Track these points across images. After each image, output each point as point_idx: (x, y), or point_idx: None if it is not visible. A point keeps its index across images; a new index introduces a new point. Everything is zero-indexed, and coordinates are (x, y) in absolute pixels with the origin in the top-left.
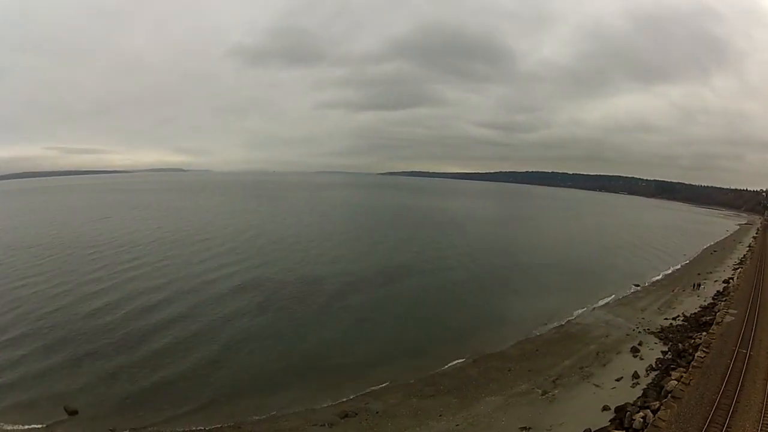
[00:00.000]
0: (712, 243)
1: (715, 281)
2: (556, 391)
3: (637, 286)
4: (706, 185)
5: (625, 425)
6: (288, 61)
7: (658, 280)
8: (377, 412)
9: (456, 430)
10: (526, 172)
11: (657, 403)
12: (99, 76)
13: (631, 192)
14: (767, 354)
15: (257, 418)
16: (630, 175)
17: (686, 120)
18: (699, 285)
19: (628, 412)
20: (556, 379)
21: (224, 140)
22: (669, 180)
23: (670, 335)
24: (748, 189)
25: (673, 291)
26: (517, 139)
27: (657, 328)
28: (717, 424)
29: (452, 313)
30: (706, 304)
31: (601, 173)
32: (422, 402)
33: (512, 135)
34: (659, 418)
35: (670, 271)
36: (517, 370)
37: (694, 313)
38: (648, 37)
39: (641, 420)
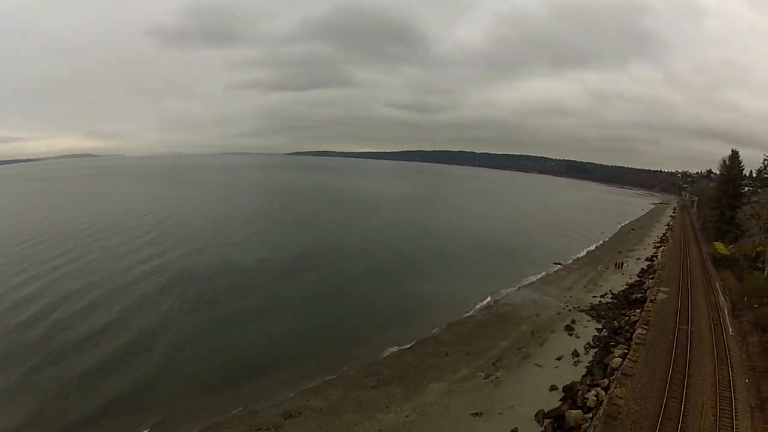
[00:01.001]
0: (629, 222)
1: (638, 259)
2: (499, 374)
3: (559, 264)
4: (616, 166)
5: (578, 404)
6: (204, 41)
7: (579, 258)
8: (321, 410)
9: (407, 422)
10: (436, 151)
11: (606, 381)
12: (14, 60)
13: (542, 171)
14: (708, 330)
15: (199, 426)
16: (540, 155)
17: (601, 104)
18: (622, 264)
19: (579, 391)
20: (496, 361)
21: (139, 123)
22: (579, 160)
23: (602, 313)
24: (663, 170)
25: (596, 269)
26: (429, 119)
27: (587, 306)
28: (674, 398)
29: (381, 298)
30: (632, 281)
31: (510, 153)
32: (365, 394)
33: (424, 115)
34: (617, 395)
35: (591, 249)
36: (455, 355)
37: (622, 291)
38: (567, 24)
39: (594, 398)
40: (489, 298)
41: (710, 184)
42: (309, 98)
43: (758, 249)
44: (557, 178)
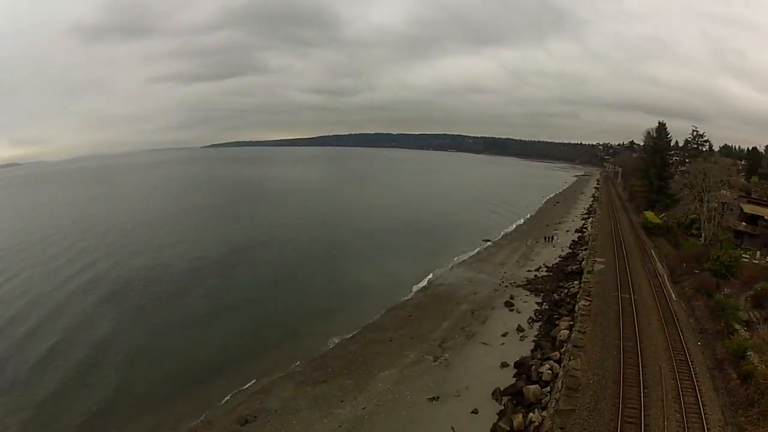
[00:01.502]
0: (554, 195)
1: (567, 231)
2: (447, 356)
3: (489, 241)
4: (536, 140)
5: (534, 379)
6: (123, 35)
7: (508, 234)
8: (276, 411)
9: (365, 414)
10: (352, 134)
11: (557, 354)
12: None
13: (459, 149)
14: (651, 297)
15: None
16: (457, 133)
17: (519, 81)
18: (552, 237)
19: (531, 366)
20: (442, 342)
21: (63, 126)
22: (497, 137)
23: (539, 287)
24: (583, 143)
25: (527, 244)
26: (343, 103)
27: (522, 281)
28: (631, 365)
29: (317, 288)
30: (564, 254)
31: (427, 132)
32: (317, 389)
33: (338, 99)
34: (572, 367)
35: (519, 224)
36: (399, 340)
37: (556, 264)
38: (483, 2)
39: (549, 372)
40: (424, 280)
41: (633, 155)
42: (226, 88)
43: (692, 216)
44: (475, 155)
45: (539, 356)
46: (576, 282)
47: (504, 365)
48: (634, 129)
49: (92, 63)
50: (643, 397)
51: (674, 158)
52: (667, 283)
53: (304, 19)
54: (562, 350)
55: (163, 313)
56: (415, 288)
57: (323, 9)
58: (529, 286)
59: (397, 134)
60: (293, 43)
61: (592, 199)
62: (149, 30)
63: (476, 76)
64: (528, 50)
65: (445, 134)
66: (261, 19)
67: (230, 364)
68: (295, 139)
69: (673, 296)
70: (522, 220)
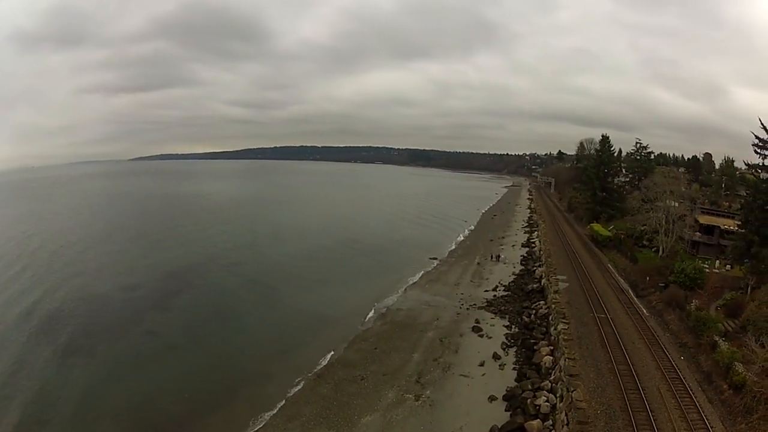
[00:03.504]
0: (488, 207)
1: (513, 246)
2: (429, 393)
3: (436, 259)
4: (461, 152)
5: (531, 412)
6: (58, 44)
7: (454, 251)
8: None
9: None
10: (277, 147)
11: (547, 383)
12: None
13: (385, 161)
14: (625, 315)
15: None
16: (382, 146)
17: (445, 94)
18: (498, 256)
19: (525, 398)
20: (419, 378)
21: None
22: (422, 148)
23: (502, 308)
24: (510, 154)
25: (475, 261)
26: (270, 116)
27: (483, 302)
28: (632, 390)
29: (263, 320)
30: (518, 271)
31: (352, 145)
32: None
33: (265, 112)
34: (576, 398)
35: (461, 240)
36: (372, 377)
37: (513, 282)
38: (412, 17)
39: (547, 404)
40: (379, 306)
41: (566, 165)
42: (154, 100)
43: (642, 228)
44: (400, 167)
45: (530, 387)
46: (542, 302)
47: (492, 399)
48: (562, 139)
49: (30, 73)
50: (654, 420)
51: (621, 170)
52: (635, 298)
53: (234, 32)
54: (552, 378)
55: (101, 357)
56: (371, 315)
57: (253, 21)
58: (491, 308)
59: (322, 147)
60: (222, 55)
61: (529, 210)
62: (81, 39)
63: (402, 89)
64: (455, 64)
65: (369, 146)
66: (191, 31)
67: (186, 421)
68: (220, 153)
69: (645, 312)
70: (462, 236)
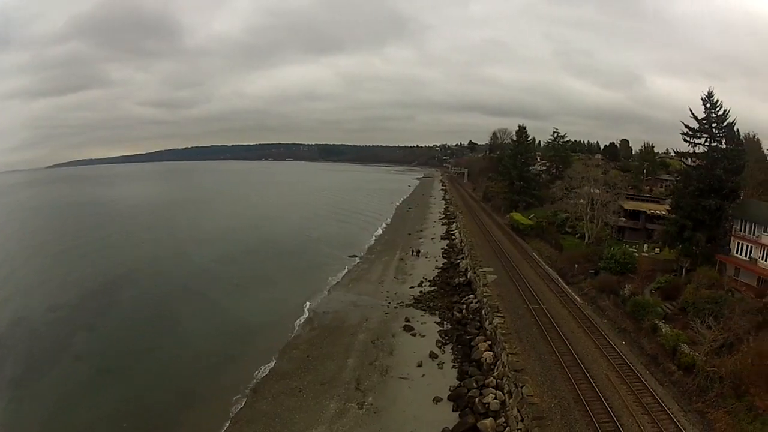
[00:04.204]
0: (402, 200)
1: (432, 239)
2: (371, 399)
3: (356, 257)
4: (371, 145)
5: (481, 411)
6: None
7: (372, 247)
8: None
9: None
10: (189, 148)
11: (492, 380)
12: None
13: (295, 158)
14: (560, 304)
15: None
16: (291, 142)
17: (355, 87)
18: (419, 251)
19: (472, 397)
20: (358, 385)
21: None
22: (333, 143)
23: (431, 304)
24: (420, 145)
25: (396, 257)
26: (182, 115)
27: (410, 299)
28: (582, 380)
29: (192, 333)
30: (441, 265)
31: (263, 142)
32: None
33: (177, 111)
34: (527, 394)
35: (379, 234)
36: (310, 388)
37: (437, 276)
38: (324, 11)
39: (496, 401)
40: (305, 309)
41: (479, 155)
42: (70, 103)
43: (565, 215)
44: (311, 162)
45: (474, 385)
46: (471, 296)
47: (437, 400)
48: (473, 129)
49: None
50: (610, 408)
51: (537, 159)
52: (566, 286)
53: (148, 29)
54: (495, 374)
55: (29, 393)
56: (299, 321)
57: (166, 17)
58: (420, 305)
59: (233, 146)
60: (136, 53)
61: (444, 202)
62: (6, 42)
63: (313, 84)
64: (366, 56)
65: (280, 143)
66: (106, 29)
67: None
68: (133, 156)
69: (578, 299)
70: (380, 231)
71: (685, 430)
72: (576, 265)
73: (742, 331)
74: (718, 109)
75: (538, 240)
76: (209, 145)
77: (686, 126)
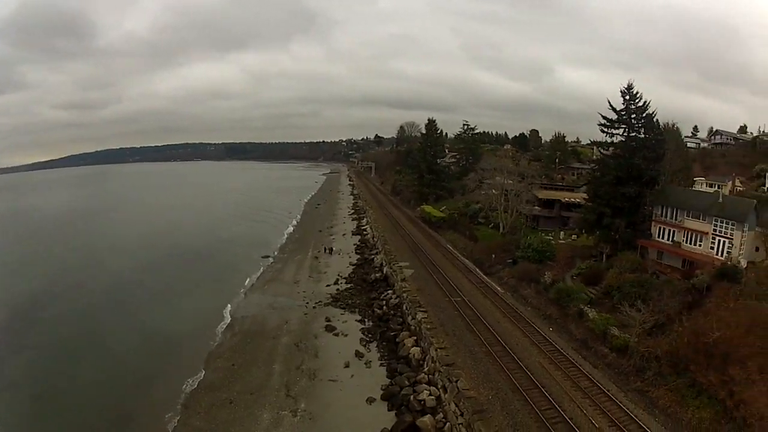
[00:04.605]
0: (310, 196)
1: (344, 235)
2: (303, 405)
3: (269, 257)
4: (277, 142)
5: (417, 408)
6: None
7: (284, 246)
8: None
9: None
10: (99, 151)
11: (424, 375)
12: None
13: (203, 158)
14: (482, 295)
15: None
16: (198, 142)
17: (261, 85)
18: (331, 249)
19: (406, 395)
20: (288, 391)
21: None
22: (239, 141)
23: (349, 302)
24: (326, 141)
25: (309, 255)
26: (93, 118)
27: (327, 298)
28: (516, 370)
29: (118, 349)
30: (355, 261)
31: (170, 143)
32: None
33: (87, 114)
34: (463, 388)
35: (289, 232)
36: (240, 399)
37: (353, 273)
38: (230, 7)
39: (432, 398)
40: (225, 315)
41: (386, 149)
42: None
43: (477, 206)
44: (218, 162)
45: (407, 382)
46: (390, 291)
47: (371, 400)
48: (379, 123)
49: None
50: (549, 395)
51: (446, 151)
52: (485, 277)
53: (62, 28)
54: (426, 370)
55: None
56: (220, 327)
57: (79, 16)
58: (338, 303)
59: (141, 147)
60: (50, 54)
61: (352, 197)
62: None
63: (220, 82)
64: (273, 53)
65: (187, 143)
66: (24, 29)
67: None
68: (47, 161)
69: (499, 289)
70: (291, 228)
71: (628, 409)
72: (493, 255)
73: (673, 312)
74: (637, 100)
75: (452, 232)
76: (118, 147)
77: (604, 117)
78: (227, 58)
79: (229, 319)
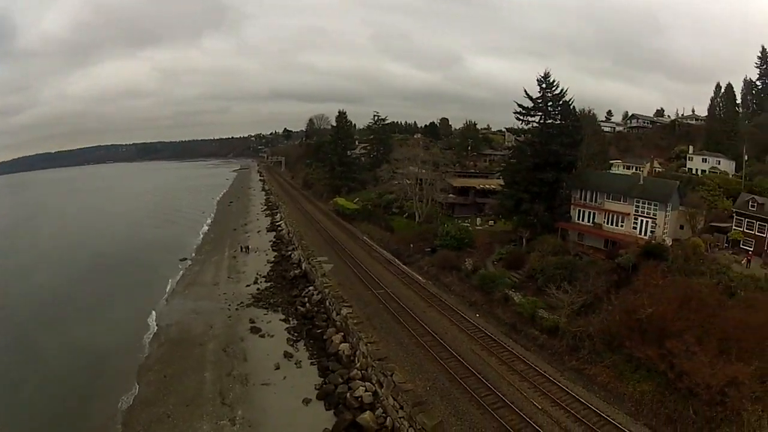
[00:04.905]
0: (222, 194)
1: (259, 232)
2: (241, 413)
3: (186, 259)
4: (188, 140)
5: (355, 405)
6: None
7: (200, 247)
8: None
9: None
10: (17, 159)
11: (357, 372)
12: None
13: (115, 159)
14: (403, 285)
15: None
16: (111, 143)
17: (172, 81)
18: (247, 247)
19: (342, 393)
20: (223, 399)
21: None
22: (151, 141)
23: (271, 301)
24: (235, 137)
25: (225, 255)
26: (9, 124)
27: (249, 299)
28: (448, 358)
29: (48, 373)
30: (273, 258)
31: (84, 146)
32: None
33: (2, 121)
34: (399, 381)
35: (204, 232)
36: (177, 412)
37: (272, 271)
38: (143, 2)
39: (369, 394)
40: (150, 323)
41: (296, 143)
42: None
43: (391, 196)
44: (130, 163)
45: (340, 380)
46: (311, 287)
47: (307, 401)
48: (287, 117)
49: None
50: (487, 381)
51: (356, 143)
52: (405, 267)
53: None
54: (358, 366)
55: None
56: (147, 337)
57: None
58: (260, 303)
59: (56, 152)
60: None
61: (264, 193)
62: None
63: (133, 80)
64: (184, 49)
65: (99, 146)
66: None
67: None
68: None
69: (421, 279)
70: (206, 227)
71: (567, 389)
72: (411, 245)
73: (601, 291)
74: (554, 88)
75: (366, 223)
76: (35, 153)
77: (519, 105)
78: (140, 56)
79: (155, 327)
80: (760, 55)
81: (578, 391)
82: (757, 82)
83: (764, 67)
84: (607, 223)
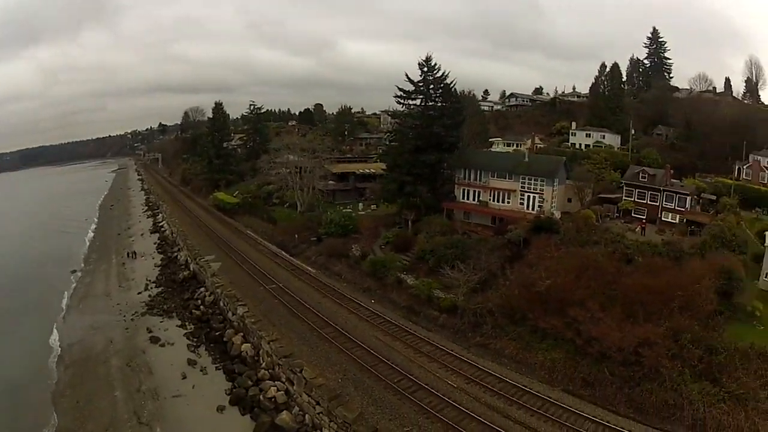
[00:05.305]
0: (103, 198)
1: (142, 235)
2: (159, 430)
3: (76, 271)
4: (67, 142)
5: (270, 407)
6: None
7: (87, 256)
8: None
9: None
10: None
11: (265, 372)
12: None
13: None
14: (295, 278)
15: None
16: None
17: (52, 81)
18: (134, 253)
19: (254, 395)
20: (139, 418)
21: None
22: (33, 146)
23: (164, 307)
24: (111, 135)
25: (113, 262)
26: None
27: (143, 306)
28: (353, 348)
29: None
30: (160, 262)
31: None
32: None
33: None
34: (310, 378)
35: (90, 239)
36: None
37: (161, 275)
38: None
39: (282, 393)
40: (53, 345)
41: (171, 137)
42: None
43: (270, 187)
44: (14, 172)
45: (250, 382)
46: (202, 289)
47: (221, 408)
48: (163, 111)
49: None
50: (397, 366)
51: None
52: (292, 258)
53: None
54: (264, 366)
55: None
56: (52, 361)
57: None
58: (155, 310)
59: None
60: None
61: (144, 192)
62: None
63: (14, 82)
64: (63, 45)
65: None
66: None
67: None
68: None
69: (310, 269)
70: (91, 234)
71: (478, 364)
72: (296, 236)
73: (495, 267)
74: (435, 71)
75: (248, 216)
76: None
77: (400, 89)
78: (21, 55)
79: (59, 349)
80: (650, 36)
81: (489, 365)
82: (646, 61)
83: (654, 47)
84: (493, 201)
